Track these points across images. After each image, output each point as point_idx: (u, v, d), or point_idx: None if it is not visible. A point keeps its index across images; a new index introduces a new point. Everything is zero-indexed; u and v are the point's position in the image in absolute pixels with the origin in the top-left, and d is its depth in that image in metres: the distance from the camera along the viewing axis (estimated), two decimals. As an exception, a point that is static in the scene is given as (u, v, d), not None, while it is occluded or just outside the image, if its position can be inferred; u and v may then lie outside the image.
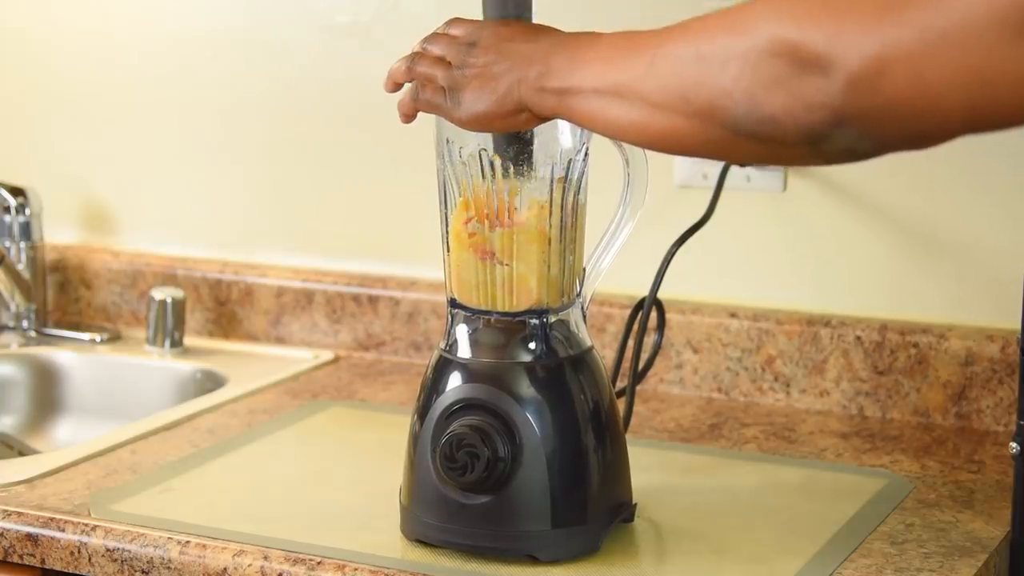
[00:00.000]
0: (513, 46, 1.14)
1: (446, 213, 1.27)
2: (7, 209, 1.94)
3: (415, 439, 1.27)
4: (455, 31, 1.19)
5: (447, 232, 1.27)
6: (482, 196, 1.24)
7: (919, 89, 0.92)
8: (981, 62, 0.90)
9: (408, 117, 1.22)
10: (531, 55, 1.13)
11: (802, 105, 0.96)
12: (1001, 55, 0.89)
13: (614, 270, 1.32)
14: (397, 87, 1.22)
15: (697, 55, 1.01)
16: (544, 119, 1.16)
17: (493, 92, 1.14)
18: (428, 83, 1.19)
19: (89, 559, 1.32)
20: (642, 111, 1.05)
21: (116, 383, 1.87)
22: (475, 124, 1.17)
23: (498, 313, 1.26)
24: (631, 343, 1.49)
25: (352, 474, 1.47)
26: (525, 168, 1.23)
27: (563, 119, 1.15)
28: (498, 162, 1.23)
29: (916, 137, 0.96)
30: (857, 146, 0.97)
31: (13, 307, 1.95)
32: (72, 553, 1.32)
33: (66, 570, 1.33)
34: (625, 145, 1.26)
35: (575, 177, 1.25)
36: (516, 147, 1.23)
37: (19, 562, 1.35)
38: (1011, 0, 0.88)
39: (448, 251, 1.27)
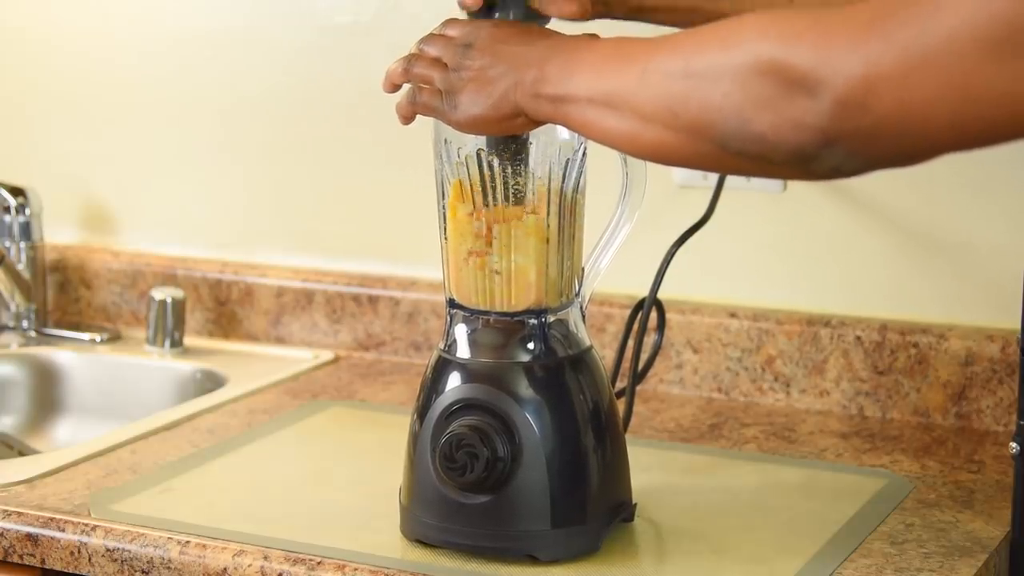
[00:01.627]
0: (508, 48, 1.15)
1: (444, 213, 1.27)
2: (7, 209, 1.94)
3: (415, 439, 1.27)
4: (451, 32, 1.19)
5: (445, 226, 1.27)
6: (479, 190, 1.24)
7: (905, 108, 0.92)
8: (965, 80, 0.90)
9: (406, 119, 1.22)
10: (527, 58, 1.13)
11: (790, 125, 0.96)
12: (984, 73, 0.89)
13: (614, 270, 1.32)
14: (395, 88, 1.23)
15: (686, 70, 1.01)
16: (540, 124, 1.16)
17: (489, 96, 1.15)
18: (425, 86, 1.19)
19: (89, 559, 1.32)
20: (633, 123, 1.06)
21: (116, 383, 1.87)
22: (471, 127, 1.17)
23: (497, 313, 1.26)
24: (631, 343, 1.49)
25: (352, 474, 1.47)
26: (523, 168, 1.23)
27: (559, 125, 1.15)
28: (496, 162, 1.23)
29: (903, 155, 0.96)
30: (845, 165, 0.97)
31: (13, 307, 1.95)
32: (72, 553, 1.33)
33: (66, 570, 1.33)
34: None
35: (573, 177, 1.26)
36: (514, 147, 1.23)
37: (19, 562, 1.35)
38: (992, 19, 0.89)
39: (446, 239, 1.27)
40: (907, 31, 0.91)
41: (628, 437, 1.33)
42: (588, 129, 1.10)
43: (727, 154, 1.01)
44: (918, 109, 0.92)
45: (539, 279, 1.25)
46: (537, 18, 1.22)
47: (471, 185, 1.24)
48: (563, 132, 1.23)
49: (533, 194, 1.24)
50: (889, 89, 0.92)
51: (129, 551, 1.30)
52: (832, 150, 0.96)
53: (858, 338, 1.65)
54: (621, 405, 1.38)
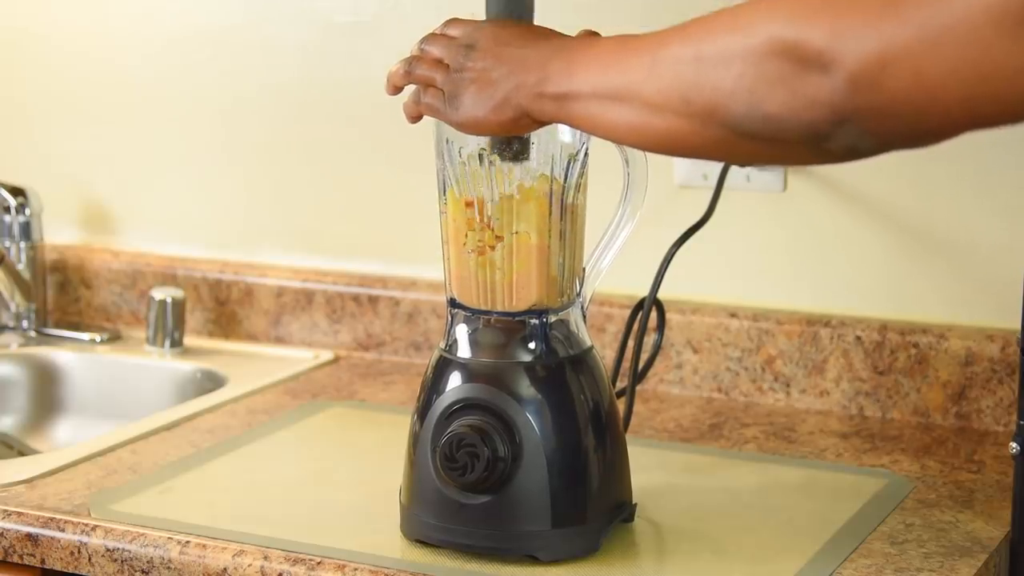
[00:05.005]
0: (511, 51, 1.14)
1: (445, 212, 1.27)
2: (7, 209, 1.94)
3: (415, 439, 1.27)
4: (453, 32, 1.19)
5: (446, 226, 1.27)
6: (481, 193, 1.24)
7: (919, 85, 0.92)
8: (980, 57, 0.90)
9: (413, 119, 1.22)
10: (528, 60, 1.13)
11: (804, 103, 0.96)
12: (999, 50, 0.89)
13: (614, 270, 1.32)
14: (397, 91, 1.23)
15: (697, 56, 1.01)
16: (543, 124, 1.16)
17: (490, 98, 1.14)
18: (428, 86, 1.19)
19: (89, 559, 1.32)
20: (642, 113, 1.05)
21: (116, 383, 1.87)
22: (473, 129, 1.17)
23: (498, 313, 1.26)
24: (631, 343, 1.49)
25: (352, 474, 1.47)
26: (525, 167, 1.23)
27: (563, 124, 1.15)
28: (497, 162, 1.23)
29: (917, 134, 0.96)
30: (859, 144, 0.97)
31: (13, 307, 1.95)
32: (72, 553, 1.32)
33: (66, 570, 1.33)
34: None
35: (575, 177, 1.26)
36: (515, 147, 1.23)
37: (19, 562, 1.35)
38: None
39: (447, 239, 1.27)
40: (923, 9, 0.91)
41: (628, 437, 1.33)
42: (594, 124, 1.10)
43: (739, 138, 1.00)
44: (932, 86, 0.91)
45: (541, 248, 1.24)
46: None
47: (473, 185, 1.24)
48: (565, 132, 1.23)
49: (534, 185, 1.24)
50: (903, 66, 0.92)
51: (129, 551, 1.30)
52: (846, 128, 0.96)
53: (858, 338, 1.65)
54: (621, 405, 1.38)
